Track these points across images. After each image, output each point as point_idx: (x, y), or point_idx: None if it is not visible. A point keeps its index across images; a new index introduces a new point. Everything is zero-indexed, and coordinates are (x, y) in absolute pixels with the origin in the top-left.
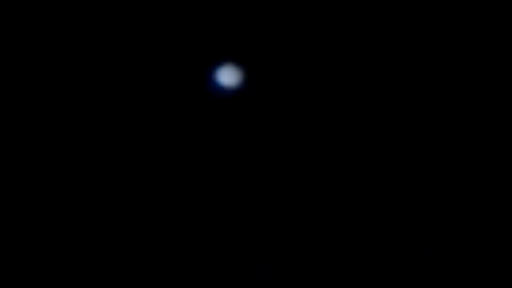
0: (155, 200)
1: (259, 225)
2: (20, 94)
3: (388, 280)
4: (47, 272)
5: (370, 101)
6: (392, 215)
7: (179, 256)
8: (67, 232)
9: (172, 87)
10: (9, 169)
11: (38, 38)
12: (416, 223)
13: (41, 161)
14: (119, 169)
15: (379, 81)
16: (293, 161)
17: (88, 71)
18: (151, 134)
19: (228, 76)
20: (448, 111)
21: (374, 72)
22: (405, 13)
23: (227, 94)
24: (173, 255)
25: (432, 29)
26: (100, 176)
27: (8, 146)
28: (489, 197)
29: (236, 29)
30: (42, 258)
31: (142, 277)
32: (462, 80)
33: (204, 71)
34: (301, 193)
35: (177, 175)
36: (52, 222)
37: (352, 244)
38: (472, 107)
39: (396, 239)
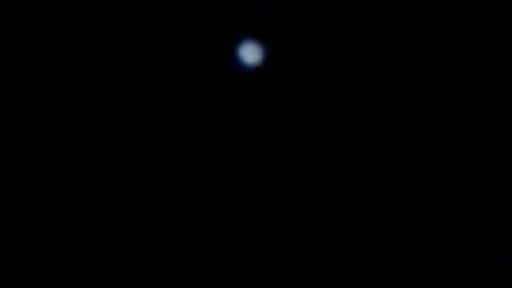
0: (157, 197)
1: (262, 225)
2: (20, 94)
3: (388, 280)
4: (47, 272)
5: (376, 102)
6: (392, 216)
7: (179, 256)
8: (67, 232)
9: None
10: (9, 169)
11: (50, 37)
12: (416, 224)
13: (40, 161)
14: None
15: (387, 83)
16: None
17: (103, 54)
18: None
19: (249, 54)
20: (448, 111)
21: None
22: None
23: (248, 70)
24: (173, 255)
25: (432, 29)
26: (108, 172)
27: (8, 146)
28: (489, 198)
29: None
30: (42, 258)
31: (142, 277)
32: (462, 80)
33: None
34: (304, 193)
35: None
36: (52, 222)
37: (352, 244)
38: (472, 107)
39: (395, 240)
